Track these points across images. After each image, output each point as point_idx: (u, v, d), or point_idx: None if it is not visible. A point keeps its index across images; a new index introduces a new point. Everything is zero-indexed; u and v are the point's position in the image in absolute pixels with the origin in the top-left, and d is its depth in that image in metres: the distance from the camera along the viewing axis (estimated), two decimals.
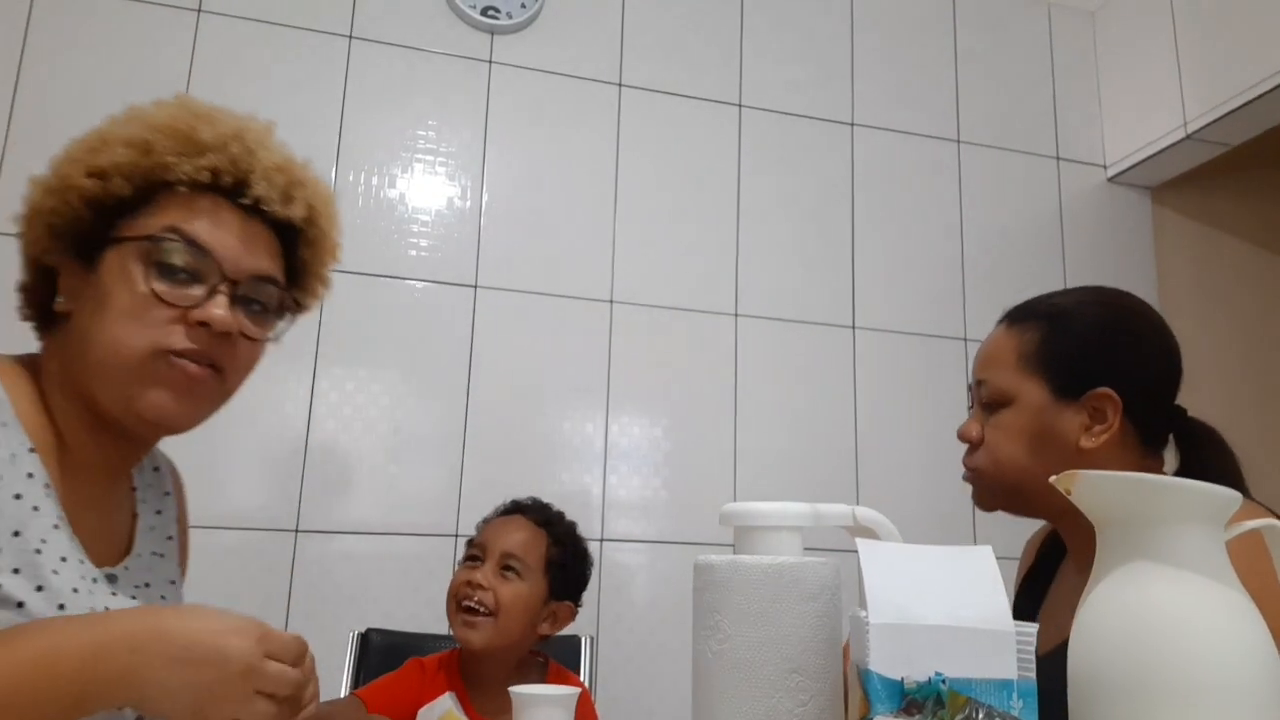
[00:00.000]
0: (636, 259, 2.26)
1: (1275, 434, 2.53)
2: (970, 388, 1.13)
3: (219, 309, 0.83)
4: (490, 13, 2.25)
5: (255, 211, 0.88)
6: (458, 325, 2.13)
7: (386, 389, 2.06)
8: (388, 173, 2.15)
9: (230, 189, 0.87)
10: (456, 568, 1.41)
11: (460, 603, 1.33)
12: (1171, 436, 1.07)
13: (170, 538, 0.98)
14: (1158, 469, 1.05)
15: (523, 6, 2.27)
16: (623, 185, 2.30)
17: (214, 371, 0.85)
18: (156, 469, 1.00)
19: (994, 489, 1.07)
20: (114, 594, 0.85)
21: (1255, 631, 0.61)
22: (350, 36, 2.18)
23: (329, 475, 1.99)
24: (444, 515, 2.02)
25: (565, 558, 1.41)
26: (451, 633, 1.35)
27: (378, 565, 1.97)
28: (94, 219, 0.84)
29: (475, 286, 2.15)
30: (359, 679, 1.60)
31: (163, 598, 0.93)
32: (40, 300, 0.89)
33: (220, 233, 0.85)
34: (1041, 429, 1.02)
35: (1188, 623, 0.60)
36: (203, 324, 0.83)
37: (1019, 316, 1.09)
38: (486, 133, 2.23)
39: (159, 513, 0.98)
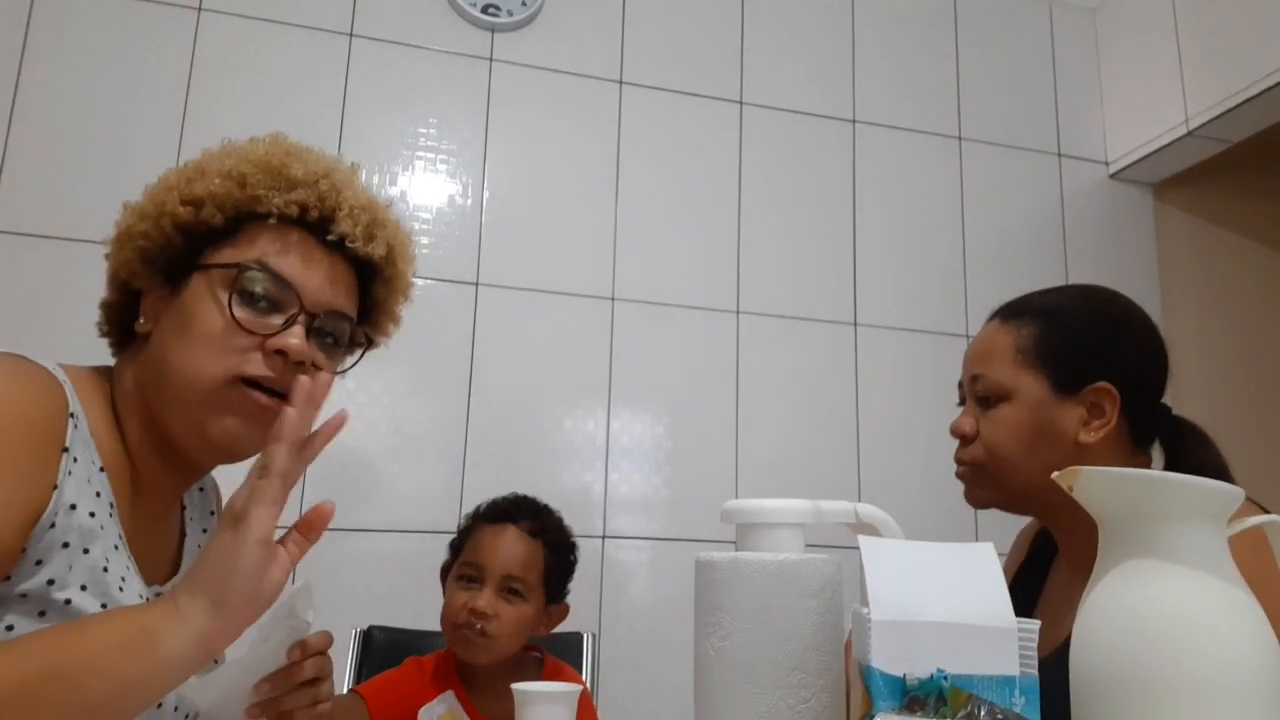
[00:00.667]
0: (638, 256, 2.26)
1: (1276, 430, 2.53)
2: (961, 384, 1.12)
3: (295, 339, 0.85)
4: (491, 10, 2.25)
5: (338, 248, 0.91)
6: (459, 323, 2.12)
7: (388, 387, 2.06)
8: (389, 171, 2.15)
9: (316, 224, 0.90)
10: (449, 579, 1.36)
11: (459, 628, 1.29)
12: (1159, 434, 1.07)
13: None
14: (1146, 466, 1.05)
15: (523, 4, 2.27)
16: (624, 182, 2.29)
17: (283, 402, 0.85)
18: (202, 489, 1.02)
19: (988, 483, 1.07)
20: None
21: (1258, 628, 0.60)
22: (351, 34, 2.18)
23: (331, 474, 1.99)
24: (446, 513, 2.02)
25: (561, 567, 1.39)
26: (453, 646, 1.32)
27: (380, 563, 1.97)
28: (185, 245, 0.87)
29: (476, 284, 2.15)
30: (361, 676, 1.61)
31: None
32: (120, 319, 0.92)
33: (304, 266, 0.88)
34: (1040, 423, 1.02)
35: (1190, 620, 0.60)
36: (279, 352, 0.85)
37: (1013, 313, 1.09)
38: (487, 130, 2.23)
39: (205, 531, 1.00)
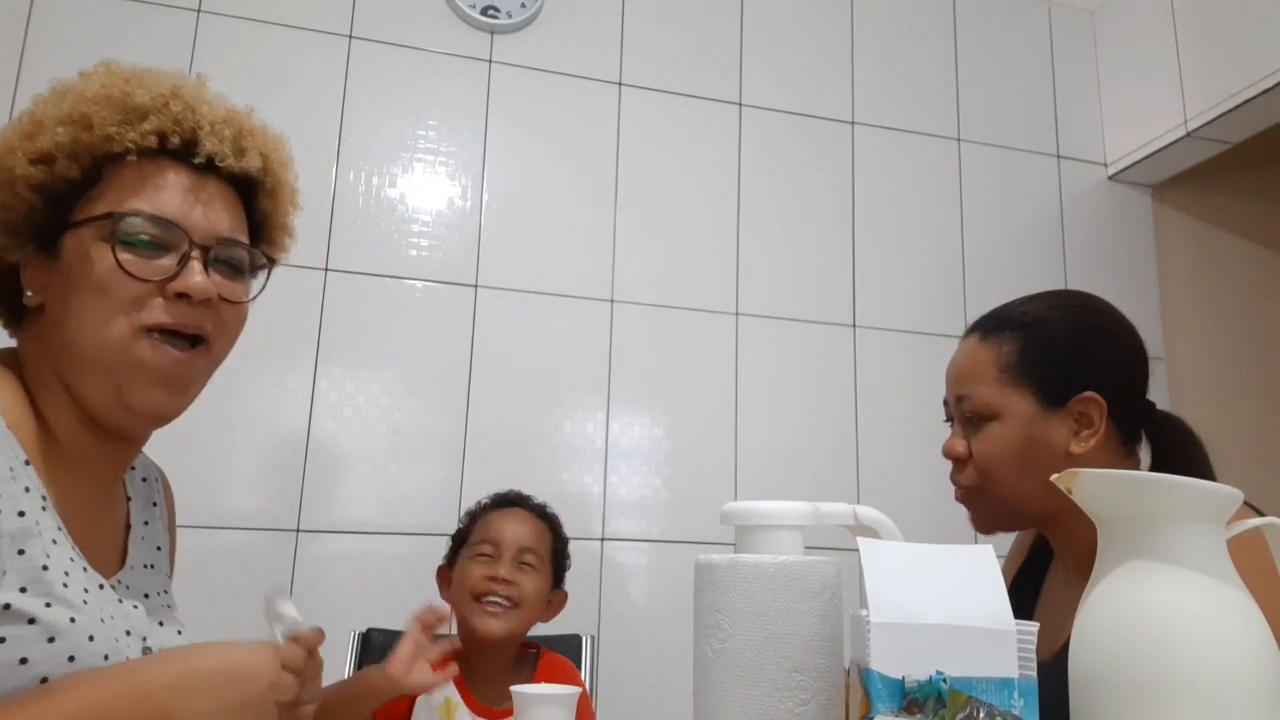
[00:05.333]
0: (637, 258, 2.26)
1: (1276, 431, 2.53)
2: (946, 403, 1.11)
3: (196, 276, 0.80)
4: (490, 12, 2.25)
5: (209, 169, 0.84)
6: (458, 325, 2.12)
7: (386, 389, 2.06)
8: (388, 172, 2.15)
9: (179, 150, 0.83)
10: (460, 563, 1.41)
11: (480, 598, 1.35)
12: (1145, 431, 1.07)
13: (159, 548, 0.96)
14: (1136, 465, 1.05)
15: (523, 6, 2.27)
16: (623, 184, 2.29)
17: (199, 347, 0.83)
18: (145, 479, 0.98)
19: (988, 504, 1.07)
20: (120, 600, 0.83)
21: (1257, 630, 0.60)
22: (350, 36, 2.18)
23: (329, 475, 1.99)
24: (445, 515, 2.02)
25: (563, 548, 1.48)
26: (468, 624, 1.35)
27: (378, 565, 1.97)
28: (46, 206, 0.81)
29: (475, 286, 2.15)
30: None
31: (167, 607, 0.93)
32: (6, 296, 0.85)
33: (180, 199, 0.82)
34: (1031, 439, 1.02)
35: (1189, 621, 0.60)
36: (181, 295, 0.80)
37: (991, 328, 1.07)
38: (486, 132, 2.23)
39: (146, 523, 0.96)
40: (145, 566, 0.92)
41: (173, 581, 0.99)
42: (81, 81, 0.84)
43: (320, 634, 0.79)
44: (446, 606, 1.26)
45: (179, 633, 0.91)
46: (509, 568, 1.36)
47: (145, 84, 0.84)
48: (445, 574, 1.45)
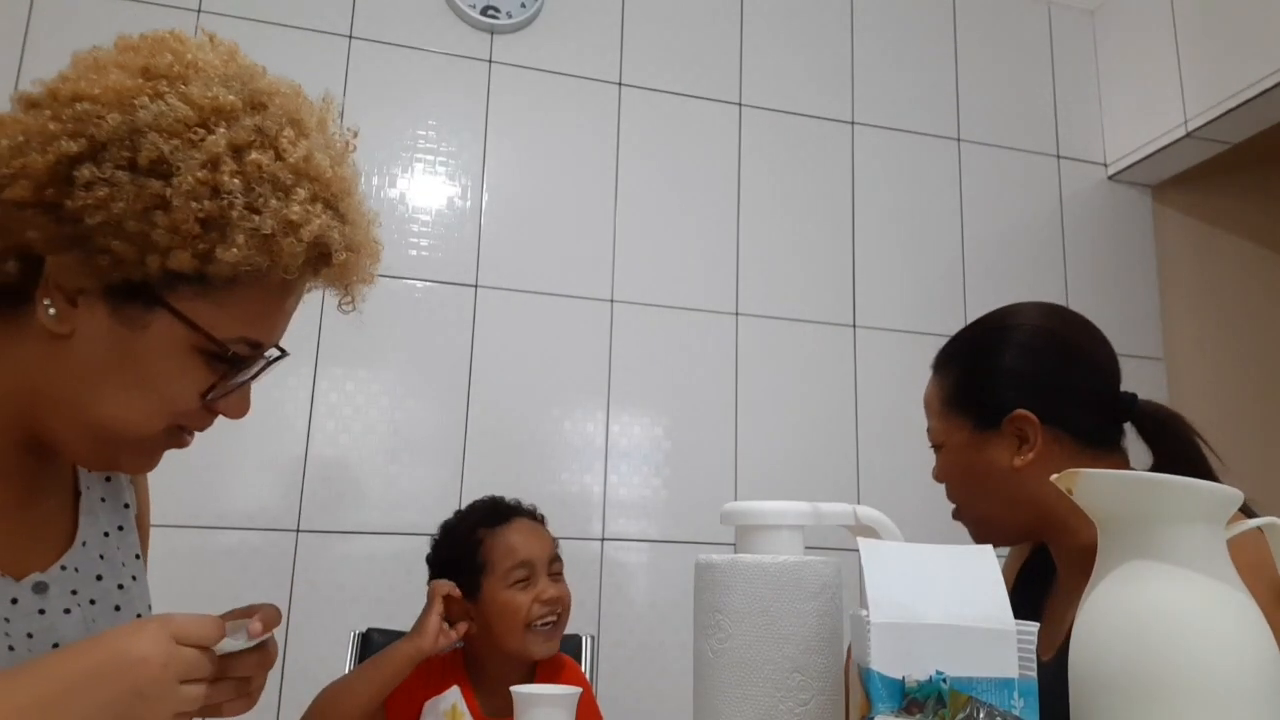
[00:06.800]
0: (637, 258, 2.26)
1: (1276, 430, 2.53)
2: None
3: (249, 401, 0.79)
4: (490, 12, 2.25)
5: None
6: (458, 325, 2.12)
7: (386, 389, 2.06)
8: (388, 172, 2.15)
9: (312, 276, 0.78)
10: (495, 595, 1.34)
11: (533, 623, 1.33)
12: (1133, 425, 1.06)
13: (126, 505, 0.89)
14: (1118, 464, 1.05)
15: (522, 6, 2.27)
16: (623, 184, 2.29)
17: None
18: None
19: (971, 527, 1.12)
20: (42, 611, 0.77)
21: (1256, 630, 0.60)
22: (350, 36, 2.18)
23: (330, 475, 1.99)
24: (445, 515, 2.00)
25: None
26: (525, 652, 1.33)
27: (379, 565, 1.97)
28: (161, 278, 0.70)
29: (475, 286, 2.15)
30: None
31: (120, 587, 0.85)
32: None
33: (278, 322, 0.79)
34: (972, 464, 1.06)
35: (1189, 621, 0.60)
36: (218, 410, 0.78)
37: (939, 363, 1.15)
38: (486, 132, 2.23)
39: (108, 480, 0.88)
40: (106, 534, 0.86)
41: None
42: (304, 154, 0.72)
43: (277, 611, 0.72)
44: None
45: (139, 616, 0.86)
46: (548, 583, 1.35)
47: (344, 209, 0.76)
48: (462, 604, 1.34)
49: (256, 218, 0.69)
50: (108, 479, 0.89)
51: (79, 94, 0.69)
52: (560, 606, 1.35)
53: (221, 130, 0.70)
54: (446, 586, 1.31)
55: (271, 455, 1.96)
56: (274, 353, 0.80)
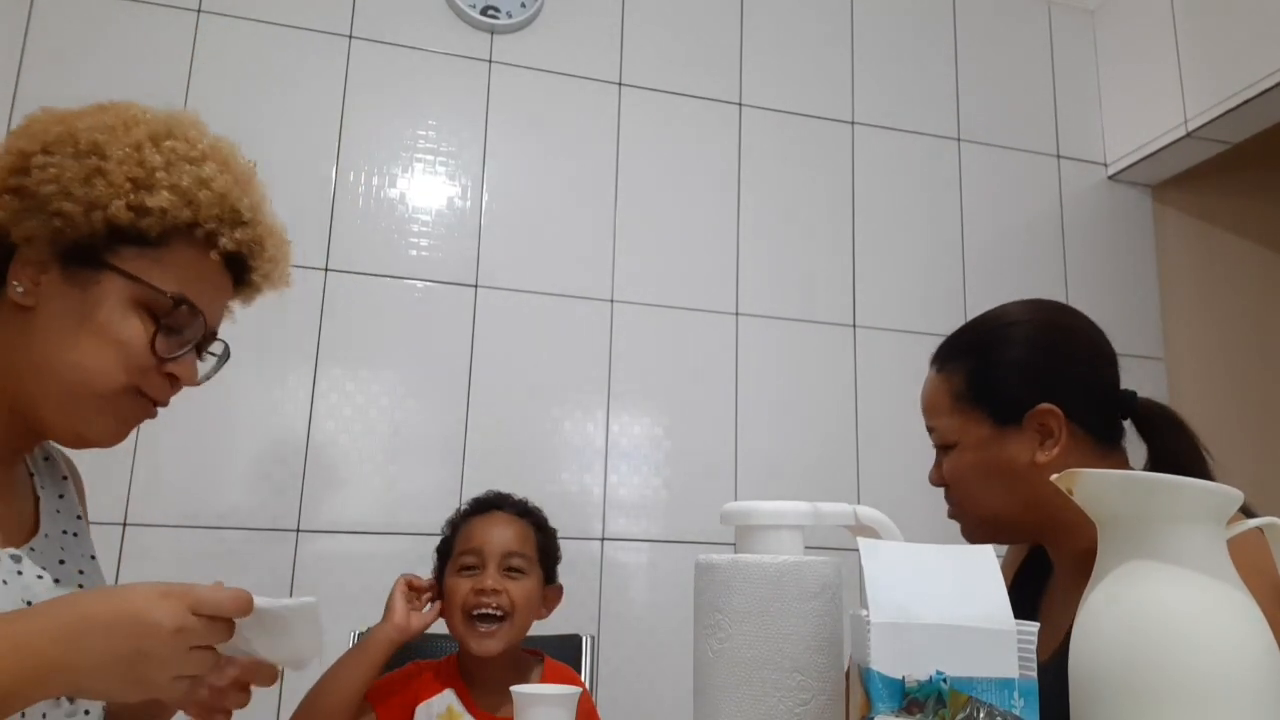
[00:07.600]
0: (637, 258, 2.26)
1: (1276, 431, 2.53)
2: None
3: (197, 369, 0.89)
4: (490, 12, 2.25)
5: (232, 266, 0.91)
6: (458, 325, 2.12)
7: (386, 389, 2.06)
8: (388, 172, 2.15)
9: (235, 256, 0.90)
10: (446, 578, 1.36)
11: (471, 613, 1.30)
12: (1131, 422, 1.06)
13: (79, 517, 0.98)
14: (1121, 463, 1.05)
15: (522, 6, 2.27)
16: (623, 184, 2.29)
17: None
18: (48, 458, 0.99)
19: (973, 526, 1.10)
20: (19, 572, 0.84)
21: (1256, 630, 0.60)
22: (350, 36, 2.18)
23: (330, 475, 1.99)
24: (445, 515, 1.99)
25: (550, 544, 1.42)
26: (464, 645, 1.32)
27: (378, 565, 1.97)
28: (105, 236, 0.83)
29: (475, 286, 2.15)
30: None
31: (81, 572, 0.92)
32: None
33: (214, 294, 0.90)
34: (992, 461, 1.04)
35: (1189, 621, 0.60)
36: (172, 374, 0.87)
37: (944, 358, 1.11)
38: (486, 132, 2.23)
39: (61, 496, 0.97)
40: (65, 534, 0.94)
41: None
42: (197, 156, 0.87)
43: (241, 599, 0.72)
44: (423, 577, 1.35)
45: None
46: (495, 577, 1.31)
47: (247, 190, 0.90)
48: (436, 590, 1.37)
49: (174, 175, 0.85)
50: (60, 495, 0.97)
51: (31, 121, 0.88)
52: (497, 601, 1.29)
53: (141, 127, 0.87)
54: (409, 575, 1.35)
55: (272, 455, 1.96)
56: (220, 347, 0.93)
